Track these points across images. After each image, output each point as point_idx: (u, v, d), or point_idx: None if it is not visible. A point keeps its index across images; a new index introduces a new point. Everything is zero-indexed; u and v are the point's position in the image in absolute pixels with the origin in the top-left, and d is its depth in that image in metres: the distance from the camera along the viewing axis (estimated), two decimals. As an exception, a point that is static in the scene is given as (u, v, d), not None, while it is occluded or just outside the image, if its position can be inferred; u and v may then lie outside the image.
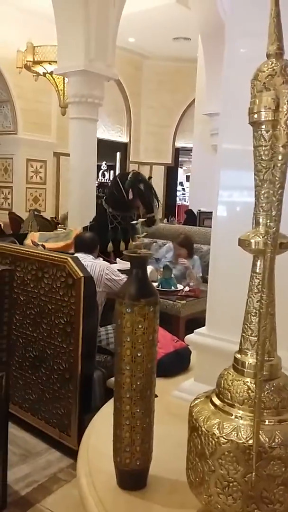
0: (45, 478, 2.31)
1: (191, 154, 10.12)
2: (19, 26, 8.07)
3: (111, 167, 10.73)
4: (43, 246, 4.19)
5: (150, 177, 4.50)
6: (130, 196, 4.17)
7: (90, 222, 4.57)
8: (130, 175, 4.27)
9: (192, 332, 2.17)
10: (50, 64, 7.53)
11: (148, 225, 4.21)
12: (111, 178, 10.33)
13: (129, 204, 4.21)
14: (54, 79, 7.82)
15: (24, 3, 7.83)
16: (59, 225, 7.03)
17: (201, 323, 2.22)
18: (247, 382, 1.17)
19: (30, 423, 2.68)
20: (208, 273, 2.13)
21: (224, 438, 1.12)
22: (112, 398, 1.91)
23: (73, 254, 3.14)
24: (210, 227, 5.18)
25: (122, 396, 1.48)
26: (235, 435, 1.12)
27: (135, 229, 4.50)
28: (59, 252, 2.88)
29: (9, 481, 2.07)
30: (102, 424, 1.88)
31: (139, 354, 1.46)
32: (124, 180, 4.26)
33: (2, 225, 6.78)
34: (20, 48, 7.83)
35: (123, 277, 3.29)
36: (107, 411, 1.94)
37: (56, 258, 2.54)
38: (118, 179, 4.37)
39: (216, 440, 1.13)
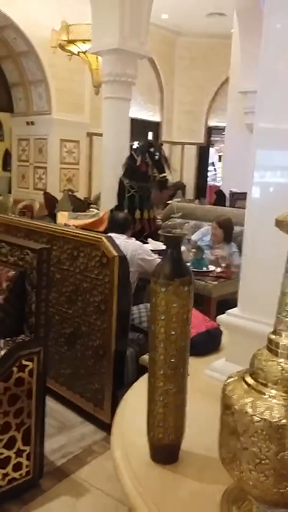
0: (80, 449, 2.40)
1: (223, 133, 9.95)
2: (53, 5, 8.04)
3: (143, 147, 10.70)
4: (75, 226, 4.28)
5: (161, 143, 4.57)
6: (139, 162, 4.29)
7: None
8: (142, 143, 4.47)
9: (223, 313, 2.18)
10: (84, 43, 7.50)
11: (161, 187, 4.27)
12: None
13: (139, 170, 4.31)
14: (88, 58, 7.79)
15: (58, -18, 7.79)
16: (92, 205, 7.11)
17: (232, 304, 2.23)
18: (281, 362, 1.18)
19: (65, 396, 2.77)
20: (241, 254, 2.13)
21: (257, 416, 1.14)
22: (144, 375, 1.95)
23: (105, 233, 3.20)
24: (243, 208, 5.10)
25: (156, 373, 1.51)
26: (268, 414, 1.13)
27: (150, 199, 4.58)
28: (93, 232, 2.93)
29: (45, 451, 2.15)
30: (135, 399, 1.93)
31: (173, 333, 1.48)
32: (137, 150, 4.43)
33: (38, 206, 6.89)
34: (54, 28, 7.82)
35: (156, 257, 3.32)
36: (139, 387, 1.98)
37: (91, 238, 2.58)
38: (132, 151, 4.55)
39: (249, 418, 1.15)
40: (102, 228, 4.34)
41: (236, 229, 4.31)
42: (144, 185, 4.36)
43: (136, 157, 4.35)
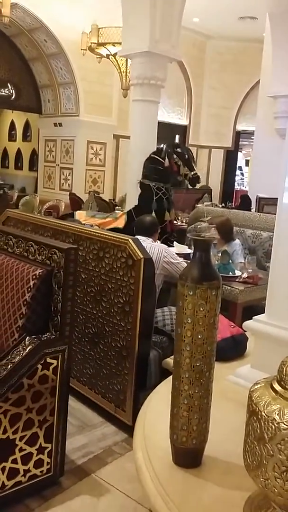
0: (101, 450, 2.40)
1: (252, 137, 9.86)
2: (84, 8, 8.13)
3: (169, 150, 10.70)
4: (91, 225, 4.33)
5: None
6: (166, 164, 4.36)
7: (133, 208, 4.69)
8: (164, 146, 4.51)
9: (249, 319, 2.15)
10: (113, 45, 7.55)
11: (192, 184, 4.42)
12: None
13: (167, 172, 4.39)
14: (117, 61, 7.84)
15: (90, -15, 7.87)
16: (117, 207, 7.14)
17: (258, 311, 2.20)
18: (311, 370, 1.16)
19: (87, 396, 2.79)
20: (270, 260, 2.10)
21: (284, 424, 1.13)
22: (168, 378, 1.95)
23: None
24: (270, 213, 5.02)
25: (181, 376, 1.51)
26: (296, 422, 1.12)
27: (171, 201, 4.65)
28: (119, 234, 2.94)
29: (66, 450, 2.16)
30: (158, 402, 1.93)
31: (199, 336, 1.48)
32: (159, 153, 4.49)
33: (64, 206, 6.96)
34: (84, 30, 7.90)
35: (181, 260, 3.31)
36: (163, 390, 1.98)
37: (117, 239, 2.59)
38: (153, 154, 4.60)
39: (276, 425, 1.14)
40: (120, 224, 4.44)
41: (264, 234, 4.27)
42: (170, 187, 4.41)
43: (161, 160, 4.37)
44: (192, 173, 4.35)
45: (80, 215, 4.74)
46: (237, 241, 4.10)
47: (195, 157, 11.04)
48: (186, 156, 4.36)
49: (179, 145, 4.52)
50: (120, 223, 4.47)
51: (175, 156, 4.35)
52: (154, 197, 4.39)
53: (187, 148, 4.51)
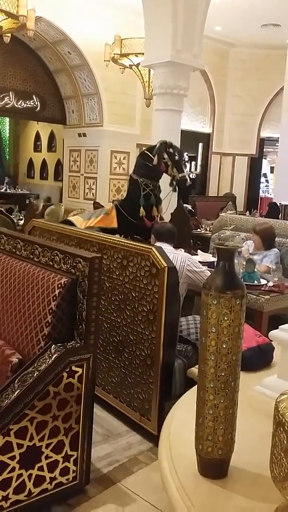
0: (126, 459, 2.41)
1: (276, 144, 9.78)
2: (107, 20, 8.25)
3: (193, 159, 10.68)
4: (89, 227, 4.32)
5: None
6: (155, 162, 4.29)
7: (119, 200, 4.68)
8: (157, 143, 4.41)
9: (275, 328, 2.12)
10: (136, 56, 7.62)
11: (179, 186, 4.31)
12: (193, 169, 10.33)
13: (155, 170, 4.33)
14: (140, 71, 7.91)
15: (113, -3, 7.98)
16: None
17: (284, 320, 2.17)
18: None
19: (113, 404, 2.79)
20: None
21: (312, 435, 1.11)
22: (193, 387, 1.94)
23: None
24: (297, 220, 4.93)
25: (205, 386, 1.50)
26: None
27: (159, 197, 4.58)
28: (142, 242, 2.95)
29: (92, 458, 2.17)
30: (183, 411, 1.91)
31: (224, 346, 1.47)
32: (152, 150, 4.42)
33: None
34: (108, 42, 8.01)
35: (204, 268, 3.30)
36: (188, 399, 1.97)
37: (140, 248, 2.60)
38: (146, 151, 4.53)
39: (303, 437, 1.12)
40: (114, 224, 4.42)
41: (291, 242, 4.23)
42: (158, 184, 4.39)
43: (151, 157, 4.34)
44: (180, 175, 4.24)
45: (77, 220, 4.74)
46: (276, 249, 4.14)
47: (218, 165, 11.06)
48: (177, 157, 4.26)
49: (171, 145, 4.41)
50: (113, 219, 4.47)
51: (165, 155, 4.26)
52: (141, 192, 4.33)
53: (178, 149, 4.39)
